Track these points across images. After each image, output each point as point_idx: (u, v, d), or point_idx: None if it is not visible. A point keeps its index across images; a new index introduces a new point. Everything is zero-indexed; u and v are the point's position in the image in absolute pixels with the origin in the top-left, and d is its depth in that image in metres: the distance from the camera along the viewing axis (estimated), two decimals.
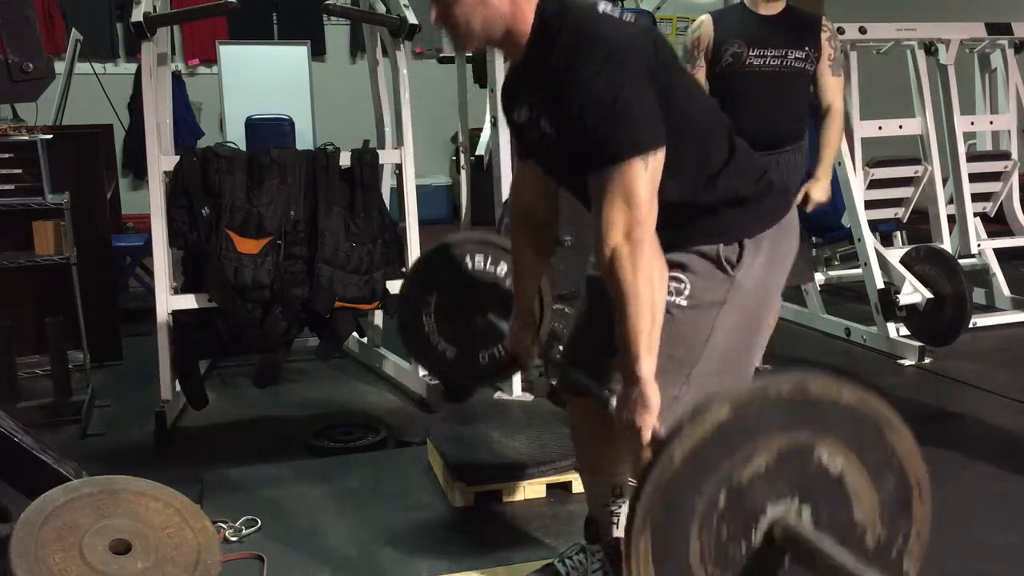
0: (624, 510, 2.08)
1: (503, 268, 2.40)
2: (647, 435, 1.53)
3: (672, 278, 1.68)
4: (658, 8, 5.99)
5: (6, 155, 3.54)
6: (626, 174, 1.54)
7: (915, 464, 1.29)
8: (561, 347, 2.05)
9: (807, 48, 3.11)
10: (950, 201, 4.77)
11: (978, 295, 4.68)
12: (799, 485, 1.24)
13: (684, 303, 1.70)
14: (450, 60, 4.37)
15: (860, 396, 1.24)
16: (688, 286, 1.71)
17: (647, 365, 1.54)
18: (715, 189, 1.72)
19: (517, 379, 3.60)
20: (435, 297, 2.40)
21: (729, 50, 3.08)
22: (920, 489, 1.30)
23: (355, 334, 3.75)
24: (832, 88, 3.21)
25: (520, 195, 2.02)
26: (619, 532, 2.07)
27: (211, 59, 7.16)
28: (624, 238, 1.53)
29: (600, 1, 1.71)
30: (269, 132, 6.08)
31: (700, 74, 3.12)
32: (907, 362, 4.02)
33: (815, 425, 1.23)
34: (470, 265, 2.40)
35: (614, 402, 1.61)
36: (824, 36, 3.16)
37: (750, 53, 3.07)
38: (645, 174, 1.55)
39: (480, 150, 4.89)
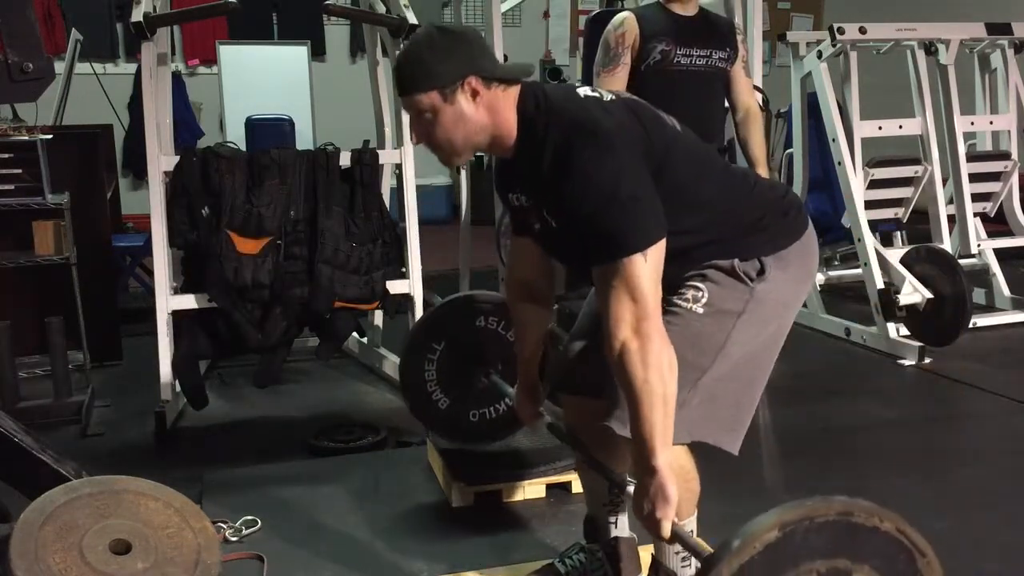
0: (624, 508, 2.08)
1: (512, 334, 2.39)
2: (667, 528, 1.51)
3: (691, 287, 1.71)
4: None
5: (6, 155, 3.54)
6: (628, 269, 1.54)
7: None
8: (560, 347, 2.05)
9: (728, 49, 3.12)
10: (950, 201, 4.77)
11: (978, 295, 4.68)
12: None
13: (701, 310, 1.71)
14: None
15: (899, 525, 1.28)
16: (706, 294, 1.72)
17: (664, 457, 1.52)
18: (735, 224, 1.75)
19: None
20: (442, 346, 2.44)
21: (657, 47, 3.02)
22: None
23: (355, 334, 3.75)
24: (747, 90, 3.27)
25: (519, 270, 1.99)
26: (617, 532, 2.07)
27: (211, 59, 7.15)
28: (633, 333, 1.53)
29: (578, 85, 1.69)
30: (269, 132, 6.06)
31: (623, 72, 3.04)
32: (907, 362, 4.02)
33: (854, 552, 1.26)
34: (482, 323, 2.43)
35: (631, 490, 1.59)
36: (739, 39, 3.21)
37: (678, 51, 3.03)
38: (647, 266, 1.55)
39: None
